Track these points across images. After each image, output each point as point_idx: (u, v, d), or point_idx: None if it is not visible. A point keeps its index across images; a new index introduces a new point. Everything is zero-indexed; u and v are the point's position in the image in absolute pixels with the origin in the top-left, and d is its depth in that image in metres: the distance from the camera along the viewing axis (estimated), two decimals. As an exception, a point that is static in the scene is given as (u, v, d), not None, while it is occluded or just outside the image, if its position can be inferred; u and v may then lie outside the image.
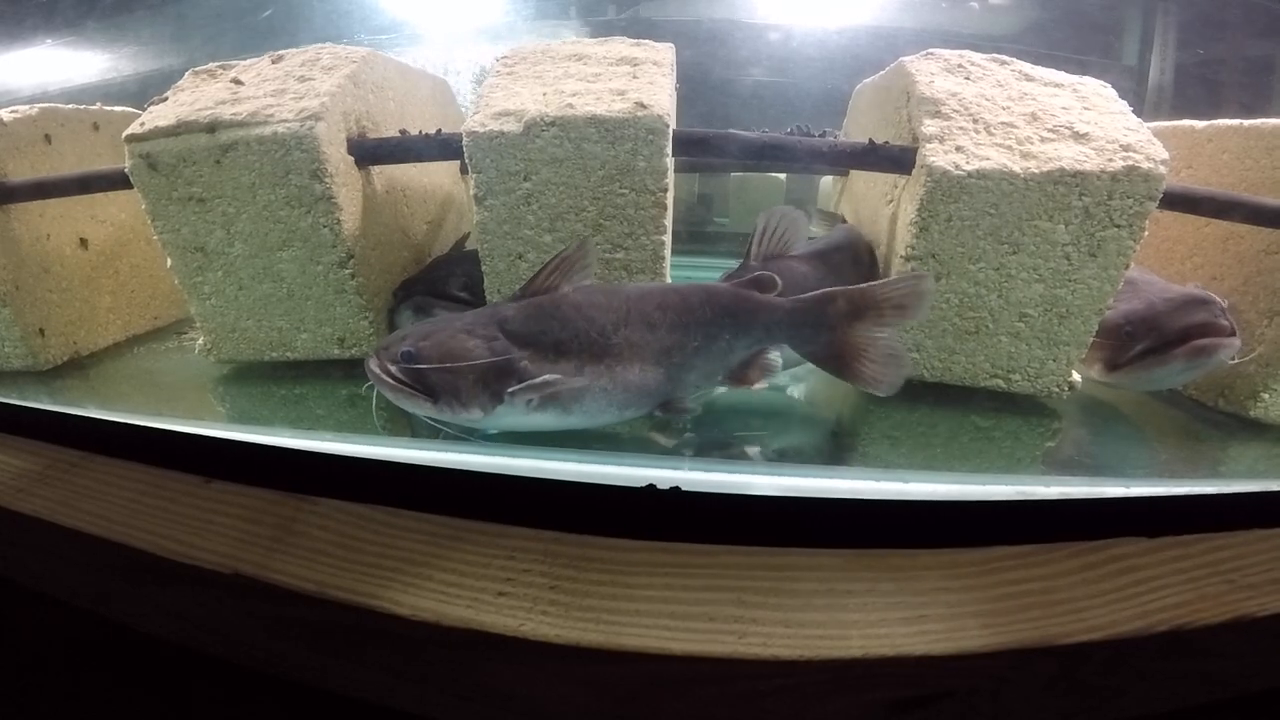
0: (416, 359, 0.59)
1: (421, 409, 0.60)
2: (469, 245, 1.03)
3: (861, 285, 0.63)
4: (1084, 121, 0.71)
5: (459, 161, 0.76)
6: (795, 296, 0.66)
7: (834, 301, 0.63)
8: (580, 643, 0.40)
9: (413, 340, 0.60)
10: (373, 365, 0.61)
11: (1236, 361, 0.74)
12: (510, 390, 0.59)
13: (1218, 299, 0.74)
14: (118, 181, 0.80)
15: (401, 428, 0.73)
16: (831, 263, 0.83)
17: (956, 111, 0.72)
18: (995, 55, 0.81)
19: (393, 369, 0.59)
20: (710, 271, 0.90)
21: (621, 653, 0.39)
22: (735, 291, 0.67)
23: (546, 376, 0.59)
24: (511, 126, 0.71)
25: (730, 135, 0.77)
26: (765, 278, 0.67)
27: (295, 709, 0.56)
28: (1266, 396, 0.77)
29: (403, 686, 0.47)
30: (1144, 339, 0.75)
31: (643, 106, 0.70)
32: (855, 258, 0.88)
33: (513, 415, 0.61)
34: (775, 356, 0.68)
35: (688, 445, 0.70)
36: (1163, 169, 0.66)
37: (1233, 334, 0.72)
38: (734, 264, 0.78)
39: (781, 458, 0.71)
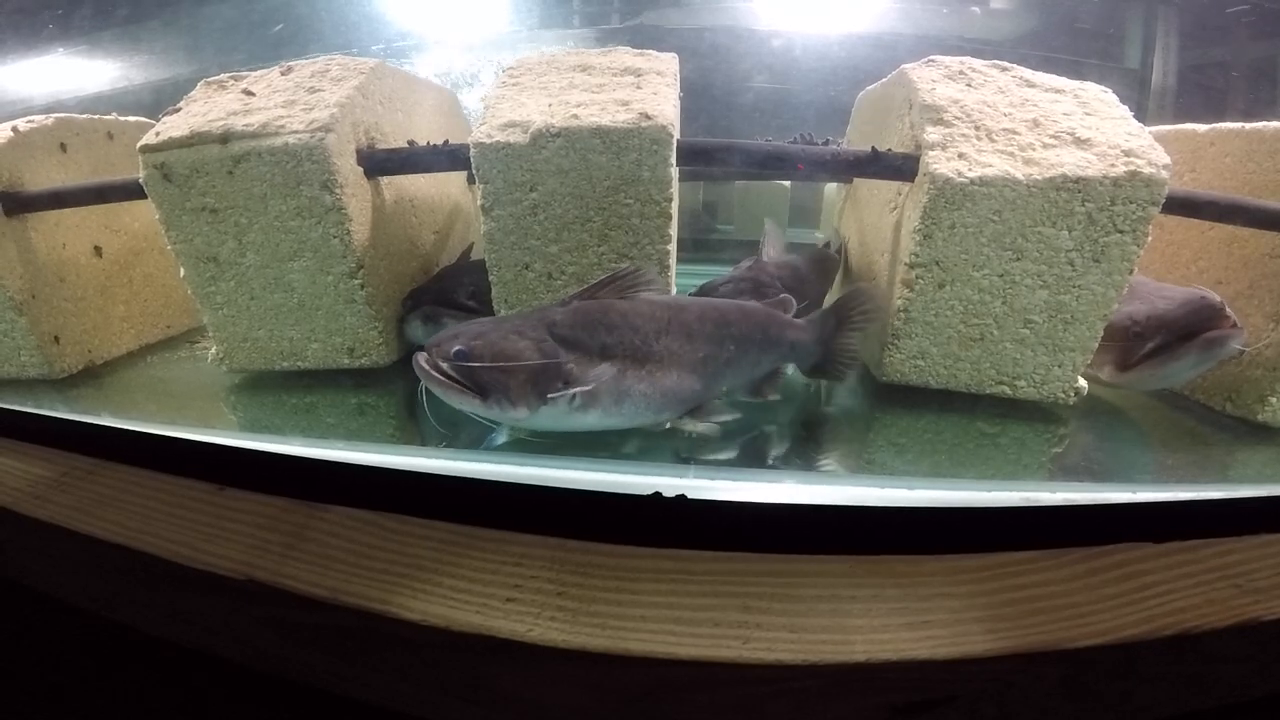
0: (469, 357, 0.60)
1: (470, 406, 0.61)
2: (475, 255, 1.04)
3: (838, 301, 0.76)
4: (1085, 127, 0.72)
5: (466, 172, 0.77)
6: (806, 317, 0.76)
7: (829, 319, 0.75)
8: (587, 647, 0.40)
9: (465, 339, 0.62)
10: (422, 361, 0.62)
11: (1244, 351, 0.74)
12: (552, 394, 0.60)
13: (1215, 295, 0.74)
14: (132, 191, 0.81)
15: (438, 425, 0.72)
16: (819, 267, 1.05)
17: (958, 119, 0.73)
18: (996, 61, 0.81)
19: (444, 366, 0.61)
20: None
21: (627, 657, 0.40)
22: (767, 310, 0.73)
23: (590, 385, 0.61)
24: (518, 137, 0.72)
25: (734, 145, 0.78)
26: (786, 300, 0.75)
27: (303, 711, 0.57)
28: (1274, 400, 0.77)
29: (411, 690, 0.47)
30: (1153, 337, 0.76)
31: (647, 117, 0.71)
32: (824, 269, 1.09)
33: (556, 415, 0.62)
34: (786, 370, 0.76)
35: (693, 453, 0.71)
36: (1165, 174, 0.67)
37: (1237, 325, 0.73)
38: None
39: (787, 465, 0.71)
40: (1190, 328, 0.74)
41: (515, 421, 0.63)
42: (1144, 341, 0.76)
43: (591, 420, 0.64)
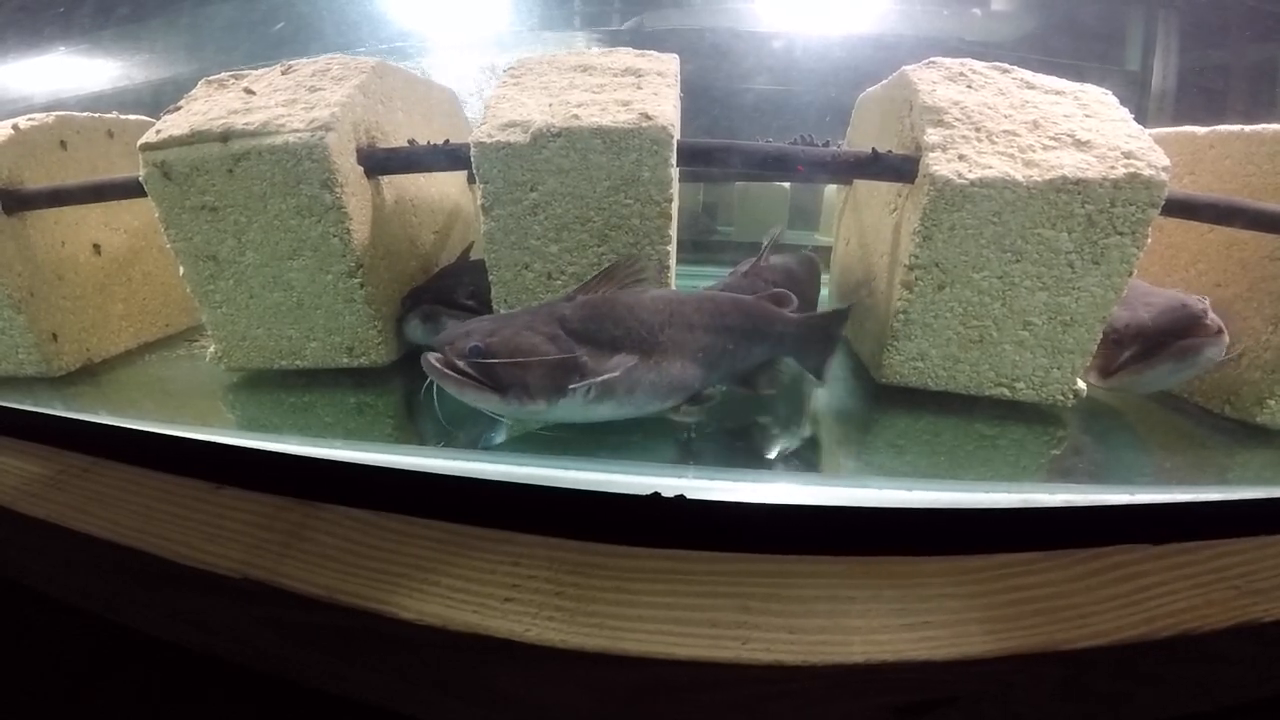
0: (486, 354, 0.61)
1: (487, 402, 0.62)
2: (475, 254, 1.04)
3: (842, 308, 0.79)
4: (1085, 129, 0.72)
5: (466, 171, 0.77)
6: (804, 314, 0.77)
7: (834, 321, 0.78)
8: (584, 647, 0.40)
9: (480, 336, 0.62)
10: (434, 360, 0.62)
11: (1224, 358, 0.75)
12: (574, 385, 0.61)
13: (1202, 300, 0.75)
14: (132, 190, 0.81)
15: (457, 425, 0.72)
16: (808, 269, 1.07)
17: (959, 120, 0.73)
18: (996, 63, 0.81)
19: (460, 364, 0.61)
20: (714, 281, 0.91)
21: (625, 657, 0.40)
22: (759, 303, 0.75)
23: (612, 373, 0.62)
24: (518, 137, 0.72)
25: (734, 146, 0.78)
26: (783, 295, 0.76)
27: (303, 711, 0.56)
28: (1273, 403, 0.77)
29: (408, 690, 0.47)
30: (1131, 344, 0.76)
31: (647, 117, 0.71)
32: (813, 271, 1.10)
33: (572, 407, 0.63)
34: (782, 366, 0.77)
35: (693, 453, 0.71)
36: (1164, 176, 0.67)
37: (1219, 332, 0.73)
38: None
39: (786, 466, 0.71)
40: (1168, 335, 0.74)
41: (531, 416, 0.64)
42: (1123, 348, 0.77)
43: (605, 411, 0.65)
